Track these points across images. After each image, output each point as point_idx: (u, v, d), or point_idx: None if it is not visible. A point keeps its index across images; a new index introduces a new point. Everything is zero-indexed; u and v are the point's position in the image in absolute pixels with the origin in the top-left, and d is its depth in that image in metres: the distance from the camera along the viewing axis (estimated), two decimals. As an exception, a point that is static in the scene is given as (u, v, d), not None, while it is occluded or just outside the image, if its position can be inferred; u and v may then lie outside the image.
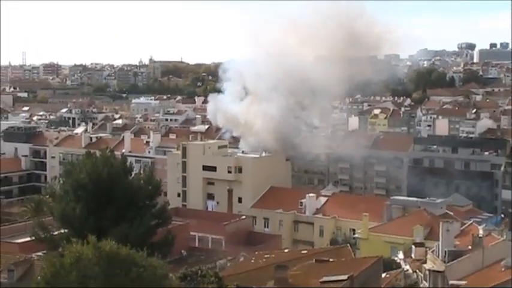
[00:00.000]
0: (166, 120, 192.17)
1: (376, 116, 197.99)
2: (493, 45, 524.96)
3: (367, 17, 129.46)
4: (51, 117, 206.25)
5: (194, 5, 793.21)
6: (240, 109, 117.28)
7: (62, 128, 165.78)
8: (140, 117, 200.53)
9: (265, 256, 51.28)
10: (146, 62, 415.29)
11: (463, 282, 48.14)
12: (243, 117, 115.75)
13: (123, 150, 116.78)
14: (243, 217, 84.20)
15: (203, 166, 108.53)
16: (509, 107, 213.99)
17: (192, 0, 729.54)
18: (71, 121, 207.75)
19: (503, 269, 47.97)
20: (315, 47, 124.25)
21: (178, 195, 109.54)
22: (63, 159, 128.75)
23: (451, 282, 48.35)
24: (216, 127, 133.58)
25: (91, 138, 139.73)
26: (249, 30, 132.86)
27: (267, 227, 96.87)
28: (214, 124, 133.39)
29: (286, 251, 61.51)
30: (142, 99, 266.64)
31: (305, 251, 54.56)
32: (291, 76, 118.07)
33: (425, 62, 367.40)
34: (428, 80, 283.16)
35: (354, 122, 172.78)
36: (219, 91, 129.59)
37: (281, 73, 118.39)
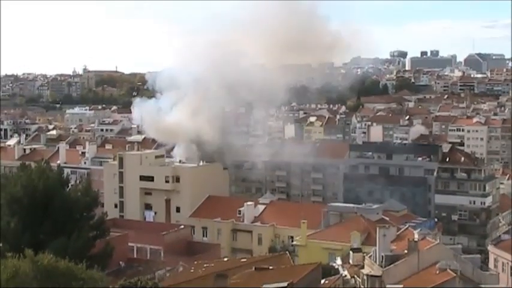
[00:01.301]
0: (102, 130, 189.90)
1: (312, 123, 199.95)
2: (423, 53, 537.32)
3: (307, 22, 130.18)
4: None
5: (117, 12, 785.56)
6: (174, 118, 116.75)
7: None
8: (75, 128, 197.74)
9: (205, 265, 51.25)
10: (80, 71, 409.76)
11: (399, 286, 49.04)
12: (178, 126, 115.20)
13: (59, 162, 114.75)
14: (182, 227, 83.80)
15: (140, 176, 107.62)
16: (441, 113, 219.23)
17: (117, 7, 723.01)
18: (2, 132, 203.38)
19: (437, 272, 49.10)
20: (251, 54, 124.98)
21: (116, 206, 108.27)
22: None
23: (388, 286, 49.19)
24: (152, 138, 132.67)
25: (24, 149, 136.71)
26: (183, 38, 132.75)
27: (206, 236, 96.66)
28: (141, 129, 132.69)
29: (225, 259, 61.61)
30: (76, 110, 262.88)
31: (244, 260, 54.71)
32: (227, 84, 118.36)
33: (358, 70, 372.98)
34: (362, 88, 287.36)
35: (290, 129, 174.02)
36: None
37: (217, 81, 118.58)
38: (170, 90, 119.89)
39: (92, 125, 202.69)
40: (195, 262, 55.84)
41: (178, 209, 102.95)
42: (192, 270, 50.86)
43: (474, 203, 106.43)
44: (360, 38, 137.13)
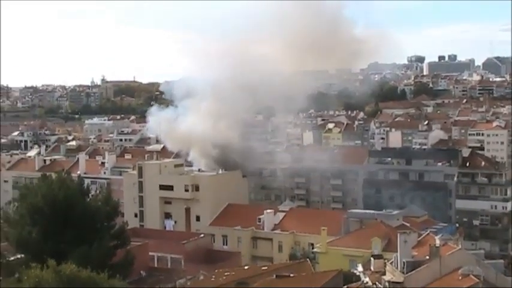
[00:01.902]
0: (121, 140, 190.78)
1: (330, 130, 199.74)
2: (441, 57, 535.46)
3: (332, 25, 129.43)
4: (3, 140, 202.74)
5: (135, 22, 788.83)
6: (191, 125, 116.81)
7: (14, 152, 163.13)
8: (94, 138, 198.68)
9: (226, 274, 51.30)
10: (98, 82, 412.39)
11: (422, 292, 48.74)
12: (195, 133, 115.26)
13: (79, 172, 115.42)
14: (202, 235, 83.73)
15: (160, 185, 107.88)
16: (460, 117, 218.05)
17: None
18: (23, 144, 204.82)
19: (460, 277, 48.72)
20: (272, 58, 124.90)
21: (136, 215, 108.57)
22: (17, 183, 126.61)
23: (410, 292, 48.90)
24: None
25: (44, 160, 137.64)
26: (200, 44, 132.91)
27: (226, 244, 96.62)
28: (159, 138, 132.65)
29: (246, 267, 61.60)
30: (95, 120, 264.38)
31: (265, 267, 54.74)
32: (245, 90, 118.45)
33: (376, 76, 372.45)
34: (380, 93, 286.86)
35: (308, 136, 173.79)
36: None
37: (234, 87, 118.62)
38: (187, 98, 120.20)
39: (111, 135, 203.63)
40: (216, 270, 55.89)
41: (198, 218, 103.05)
42: (213, 279, 50.90)
43: (496, 207, 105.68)
44: (385, 43, 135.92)
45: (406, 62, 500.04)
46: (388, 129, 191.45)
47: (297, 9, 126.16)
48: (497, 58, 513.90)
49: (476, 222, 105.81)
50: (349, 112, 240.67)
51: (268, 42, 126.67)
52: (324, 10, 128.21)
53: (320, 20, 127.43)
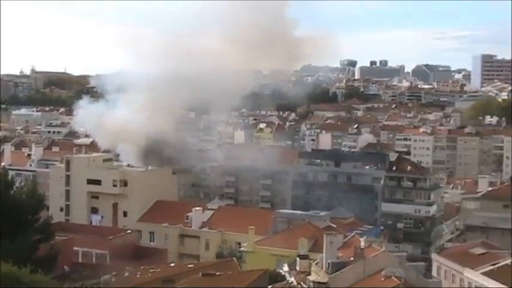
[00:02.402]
0: (49, 132, 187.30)
1: (261, 130, 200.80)
2: (373, 62, 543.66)
3: (275, 24, 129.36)
4: None
5: (68, 12, 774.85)
6: (121, 120, 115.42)
7: None
8: (21, 129, 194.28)
9: (151, 270, 50.97)
10: (28, 72, 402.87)
11: (345, 293, 49.53)
12: (127, 129, 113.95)
13: (3, 163, 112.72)
14: (129, 231, 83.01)
15: (88, 180, 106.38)
16: (388, 122, 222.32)
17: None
18: None
19: (383, 279, 49.76)
20: (207, 57, 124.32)
21: (61, 209, 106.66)
22: None
23: (334, 293, 49.63)
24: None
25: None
26: (134, 41, 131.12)
27: (153, 241, 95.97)
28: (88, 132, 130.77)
29: (172, 265, 61.33)
30: (23, 111, 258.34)
31: (191, 265, 54.63)
32: (177, 89, 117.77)
33: (309, 78, 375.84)
34: (312, 96, 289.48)
35: (239, 135, 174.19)
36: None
37: (169, 84, 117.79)
38: (121, 92, 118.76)
39: (39, 126, 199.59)
40: (142, 267, 55.43)
41: (125, 214, 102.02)
42: (138, 275, 50.50)
43: (419, 211, 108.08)
44: (325, 45, 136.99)
45: (339, 66, 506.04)
46: (318, 131, 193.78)
47: (239, 6, 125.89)
48: (427, 66, 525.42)
49: (400, 225, 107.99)
50: (281, 113, 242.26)
51: (207, 38, 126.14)
52: (267, 8, 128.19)
53: (262, 18, 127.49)
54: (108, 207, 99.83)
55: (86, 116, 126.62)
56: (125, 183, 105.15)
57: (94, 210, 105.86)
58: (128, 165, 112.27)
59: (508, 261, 67.09)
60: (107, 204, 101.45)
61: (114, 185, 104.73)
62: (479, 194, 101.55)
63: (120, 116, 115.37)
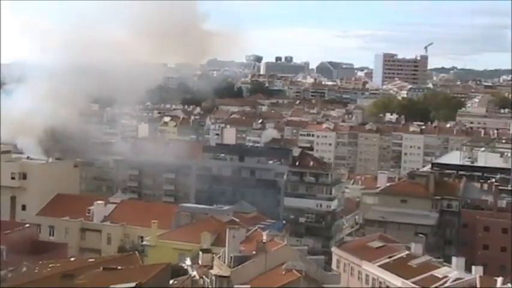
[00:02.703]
0: None
1: (166, 123, 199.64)
2: (278, 58, 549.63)
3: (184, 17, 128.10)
4: None
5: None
6: (20, 111, 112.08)
7: None
8: None
9: (50, 265, 49.96)
10: None
11: (247, 286, 50.05)
12: (26, 120, 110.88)
13: None
14: (27, 225, 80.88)
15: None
16: (292, 118, 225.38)
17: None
18: None
19: (284, 272, 50.62)
20: (114, 49, 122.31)
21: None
22: None
23: (236, 286, 50.08)
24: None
25: None
26: (32, 31, 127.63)
27: (53, 235, 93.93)
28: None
29: (72, 259, 60.29)
30: None
31: (92, 259, 53.83)
32: (79, 80, 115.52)
33: (214, 72, 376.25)
34: (217, 90, 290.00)
35: (143, 129, 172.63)
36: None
37: (68, 76, 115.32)
38: (20, 82, 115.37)
39: None
40: (40, 262, 54.22)
41: (24, 207, 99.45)
42: (36, 270, 49.37)
43: (321, 206, 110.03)
44: (232, 40, 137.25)
45: (245, 61, 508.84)
46: (223, 125, 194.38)
47: None
48: (330, 63, 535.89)
49: (302, 220, 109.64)
50: (186, 107, 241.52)
51: (113, 29, 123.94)
52: (177, 1, 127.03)
53: (172, 10, 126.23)
54: (6, 200, 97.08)
55: None
56: (24, 176, 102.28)
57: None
58: (28, 157, 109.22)
59: (403, 254, 69.56)
60: (4, 198, 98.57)
61: (13, 178, 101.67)
62: (378, 189, 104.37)
63: (20, 107, 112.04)
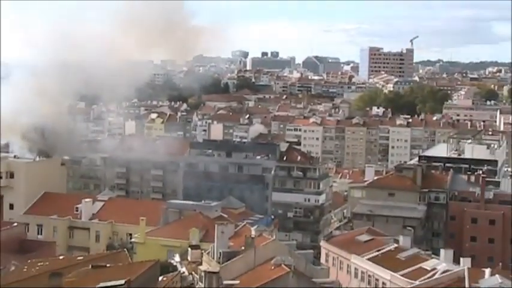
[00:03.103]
0: None
1: (153, 120, 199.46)
2: (264, 53, 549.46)
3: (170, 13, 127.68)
4: None
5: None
6: (8, 111, 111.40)
7: None
8: None
9: (39, 264, 49.88)
10: None
11: (236, 282, 50.12)
12: (12, 120, 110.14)
13: None
14: (15, 224, 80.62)
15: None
16: (279, 113, 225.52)
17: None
18: None
19: (273, 267, 50.69)
20: (92, 46, 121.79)
21: None
22: None
23: (225, 282, 50.13)
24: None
25: None
26: (23, 28, 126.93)
27: (41, 234, 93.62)
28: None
29: (61, 258, 60.12)
30: None
31: (81, 257, 53.78)
32: (64, 77, 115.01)
33: (200, 68, 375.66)
34: (203, 86, 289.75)
35: (130, 126, 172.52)
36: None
37: (53, 74, 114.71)
38: (5, 81, 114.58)
39: None
40: (29, 261, 54.11)
41: (11, 206, 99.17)
42: (25, 269, 49.27)
43: (309, 200, 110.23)
44: (219, 36, 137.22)
45: (231, 56, 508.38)
46: (210, 121, 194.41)
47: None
48: (316, 57, 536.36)
49: (290, 214, 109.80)
50: (173, 103, 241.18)
51: (99, 25, 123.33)
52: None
53: (160, 7, 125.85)
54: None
55: None
56: (11, 175, 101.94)
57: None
58: (15, 156, 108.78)
59: (391, 247, 69.85)
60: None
61: (0, 177, 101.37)
62: (366, 183, 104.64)
63: (5, 105, 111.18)
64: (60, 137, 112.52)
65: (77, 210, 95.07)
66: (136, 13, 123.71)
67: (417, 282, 60.59)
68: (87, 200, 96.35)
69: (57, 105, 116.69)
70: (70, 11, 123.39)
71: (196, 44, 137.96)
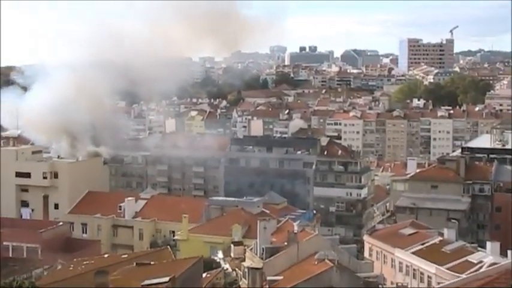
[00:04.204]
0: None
1: (193, 117, 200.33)
2: (302, 48, 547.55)
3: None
4: None
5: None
6: (46, 110, 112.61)
7: None
8: None
9: (84, 262, 50.39)
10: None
11: (279, 278, 50.02)
12: (54, 120, 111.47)
13: None
14: (60, 224, 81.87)
15: (16, 172, 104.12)
16: (319, 107, 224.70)
17: None
18: None
19: (316, 262, 50.43)
20: (129, 49, 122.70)
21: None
22: None
23: (268, 278, 50.06)
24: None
25: None
26: (61, 31, 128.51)
27: (86, 232, 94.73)
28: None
29: (105, 256, 60.70)
30: None
31: (125, 255, 54.18)
32: (106, 78, 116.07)
33: (239, 65, 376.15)
34: (242, 82, 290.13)
35: (171, 124, 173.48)
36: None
37: (98, 72, 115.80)
38: (46, 81, 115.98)
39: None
40: (75, 259, 54.74)
41: (56, 206, 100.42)
42: (71, 268, 49.85)
43: (351, 194, 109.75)
44: (276, 28, 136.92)
45: (269, 52, 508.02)
46: (250, 117, 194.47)
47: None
48: (355, 50, 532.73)
49: (332, 209, 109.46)
50: (212, 100, 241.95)
51: (147, 20, 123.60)
52: None
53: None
54: (39, 199, 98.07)
55: (7, 108, 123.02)
56: (55, 175, 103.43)
57: (24, 204, 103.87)
58: (58, 156, 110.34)
59: (436, 240, 69.03)
60: (37, 197, 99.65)
61: (44, 177, 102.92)
62: (408, 175, 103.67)
63: (45, 106, 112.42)
64: (103, 136, 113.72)
65: (120, 209, 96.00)
66: (185, 5, 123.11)
67: (464, 276, 59.64)
68: (130, 198, 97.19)
69: (101, 104, 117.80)
70: (114, 6, 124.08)
71: (249, 36, 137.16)
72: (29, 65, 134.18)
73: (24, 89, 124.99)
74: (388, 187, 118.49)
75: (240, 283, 54.98)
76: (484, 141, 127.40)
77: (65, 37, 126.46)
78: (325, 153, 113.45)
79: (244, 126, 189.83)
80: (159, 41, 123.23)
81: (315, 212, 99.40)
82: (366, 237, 78.61)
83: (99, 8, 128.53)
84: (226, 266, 58.99)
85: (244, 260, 57.21)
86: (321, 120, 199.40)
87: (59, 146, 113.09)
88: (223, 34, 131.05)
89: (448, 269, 62.04)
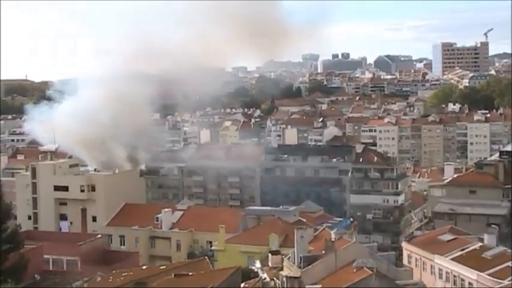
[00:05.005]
0: (13, 140, 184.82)
1: (227, 128, 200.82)
2: (335, 55, 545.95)
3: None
4: None
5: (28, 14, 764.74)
6: (84, 126, 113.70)
7: None
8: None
9: (123, 274, 50.78)
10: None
11: (318, 286, 49.80)
12: (90, 133, 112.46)
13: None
14: (98, 236, 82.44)
15: (54, 186, 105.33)
16: (353, 114, 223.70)
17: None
18: None
19: (355, 270, 50.10)
20: (160, 60, 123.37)
21: (29, 217, 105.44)
22: None
23: (307, 286, 49.88)
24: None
25: None
26: (96, 42, 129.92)
27: (124, 244, 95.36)
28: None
29: (144, 267, 61.11)
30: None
31: (163, 267, 54.54)
32: (137, 91, 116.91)
33: (272, 74, 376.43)
34: (276, 91, 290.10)
35: (205, 134, 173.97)
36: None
37: (127, 88, 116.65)
38: (82, 96, 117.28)
39: (2, 135, 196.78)
40: (113, 271, 55.18)
41: (94, 218, 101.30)
42: (110, 280, 50.24)
43: (387, 201, 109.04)
44: (315, 37, 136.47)
45: (301, 60, 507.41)
46: (284, 126, 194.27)
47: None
48: (388, 56, 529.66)
49: (369, 216, 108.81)
50: (246, 110, 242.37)
51: (187, 28, 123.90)
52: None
53: (255, 6, 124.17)
54: (77, 213, 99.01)
55: (37, 122, 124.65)
56: (92, 188, 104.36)
57: (62, 217, 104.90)
58: (95, 169, 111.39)
59: (476, 246, 68.04)
60: (75, 210, 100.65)
61: (82, 191, 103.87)
62: (446, 181, 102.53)
63: (80, 121, 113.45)
64: (139, 149, 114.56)
65: (157, 220, 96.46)
66: (227, 13, 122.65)
67: (506, 282, 58.81)
68: (166, 209, 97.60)
69: (138, 117, 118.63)
70: (151, 16, 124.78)
71: (294, 45, 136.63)
72: (65, 79, 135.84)
73: (60, 103, 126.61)
74: (425, 193, 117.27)
75: (279, 292, 54.85)
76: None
77: (102, 50, 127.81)
78: (361, 160, 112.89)
79: (279, 135, 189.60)
80: (195, 49, 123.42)
81: (351, 219, 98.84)
82: (404, 244, 77.77)
83: (135, 16, 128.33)
84: (264, 275, 58.85)
85: (282, 269, 57.01)
86: (356, 127, 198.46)
87: (95, 158, 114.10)
88: (261, 42, 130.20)
89: (489, 275, 61.03)
